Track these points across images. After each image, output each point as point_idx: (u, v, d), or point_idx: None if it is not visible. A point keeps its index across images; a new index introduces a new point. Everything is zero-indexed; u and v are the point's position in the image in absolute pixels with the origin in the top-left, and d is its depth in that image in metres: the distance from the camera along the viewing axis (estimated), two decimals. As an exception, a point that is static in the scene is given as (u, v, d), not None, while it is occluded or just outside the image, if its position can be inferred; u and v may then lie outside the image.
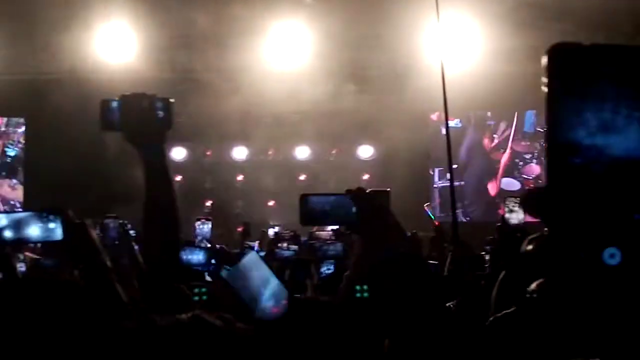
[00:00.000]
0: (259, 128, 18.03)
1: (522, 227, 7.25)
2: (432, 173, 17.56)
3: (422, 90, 13.76)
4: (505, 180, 17.03)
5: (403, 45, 14.71)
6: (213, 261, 6.65)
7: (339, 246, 6.67)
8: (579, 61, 0.92)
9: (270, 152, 19.99)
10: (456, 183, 15.39)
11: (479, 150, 17.37)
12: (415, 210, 12.33)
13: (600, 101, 0.88)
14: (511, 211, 7.34)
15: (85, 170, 17.31)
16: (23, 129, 19.18)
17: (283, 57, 15.54)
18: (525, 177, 16.85)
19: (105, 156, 16.59)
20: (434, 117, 17.38)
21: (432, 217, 12.05)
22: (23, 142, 19.18)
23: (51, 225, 3.08)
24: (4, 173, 19.10)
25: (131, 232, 9.45)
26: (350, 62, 16.11)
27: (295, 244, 11.23)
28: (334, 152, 19.81)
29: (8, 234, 3.17)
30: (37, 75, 16.63)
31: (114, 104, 2.77)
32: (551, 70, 0.93)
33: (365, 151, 19.59)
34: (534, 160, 16.91)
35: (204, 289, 4.79)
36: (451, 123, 16.04)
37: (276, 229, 17.81)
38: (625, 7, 13.89)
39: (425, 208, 12.55)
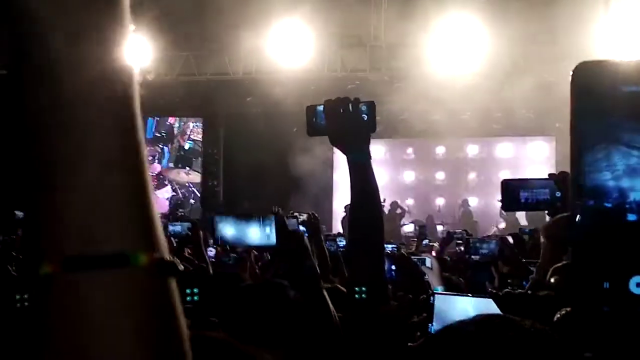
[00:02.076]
0: (429, 126, 18.00)
1: None
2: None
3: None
4: None
5: (576, 40, 14.22)
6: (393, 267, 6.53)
7: (492, 245, 6.19)
8: (604, 83, 0.86)
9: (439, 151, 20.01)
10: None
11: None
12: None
13: (627, 145, 0.85)
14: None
15: (263, 166, 17.79)
16: (198, 123, 20.02)
17: (454, 56, 15.34)
18: None
19: (278, 152, 17.08)
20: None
21: None
22: (199, 135, 19.98)
23: (267, 230, 3.23)
24: (180, 165, 20.03)
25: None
26: (522, 58, 15.73)
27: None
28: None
29: (231, 235, 3.36)
30: (214, 77, 17.20)
31: (320, 109, 2.84)
32: (575, 96, 0.87)
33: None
34: None
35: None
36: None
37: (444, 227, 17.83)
38: None
39: None
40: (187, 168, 20.09)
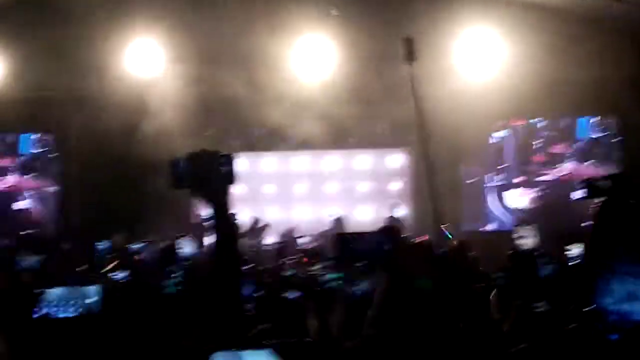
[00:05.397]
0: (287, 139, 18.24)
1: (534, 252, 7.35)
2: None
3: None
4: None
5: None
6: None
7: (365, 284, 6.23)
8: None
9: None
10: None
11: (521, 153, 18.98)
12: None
13: (625, 274, 0.97)
14: (522, 237, 7.44)
15: (119, 182, 17.48)
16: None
17: (307, 69, 15.69)
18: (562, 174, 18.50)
19: (135, 171, 16.83)
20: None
21: (450, 236, 11.95)
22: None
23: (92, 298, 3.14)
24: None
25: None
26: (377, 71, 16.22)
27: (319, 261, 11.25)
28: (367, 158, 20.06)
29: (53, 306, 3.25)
30: (65, 92, 16.83)
31: (182, 162, 2.87)
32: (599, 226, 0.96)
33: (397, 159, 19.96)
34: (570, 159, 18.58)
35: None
36: (500, 133, 18.51)
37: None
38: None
39: (443, 229, 12.41)
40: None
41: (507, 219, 18.52)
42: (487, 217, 18.78)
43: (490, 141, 18.73)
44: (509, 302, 4.94)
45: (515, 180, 18.88)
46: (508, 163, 18.98)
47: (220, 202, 2.88)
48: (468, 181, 18.63)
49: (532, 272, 6.38)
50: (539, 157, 18.95)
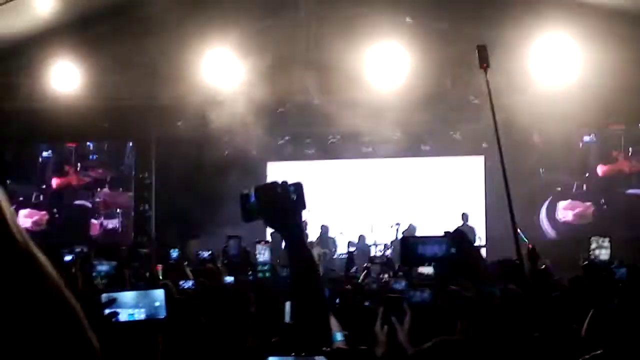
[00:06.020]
0: (359, 147, 18.23)
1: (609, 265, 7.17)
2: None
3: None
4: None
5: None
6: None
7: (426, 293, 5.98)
8: None
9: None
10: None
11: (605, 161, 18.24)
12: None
13: None
14: (600, 247, 7.28)
15: (196, 190, 17.77)
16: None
17: (382, 78, 15.69)
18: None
19: (212, 178, 17.11)
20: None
21: (525, 240, 11.75)
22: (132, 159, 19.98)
23: (156, 303, 3.14)
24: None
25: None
26: (450, 81, 16.12)
27: (389, 269, 11.17)
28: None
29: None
30: (143, 101, 17.15)
31: (251, 195, 2.95)
32: None
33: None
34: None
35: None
36: (586, 138, 17.92)
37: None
38: None
39: (519, 231, 12.10)
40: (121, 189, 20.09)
41: (552, 230, 18.16)
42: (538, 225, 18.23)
43: (574, 148, 18.22)
44: (584, 311, 4.84)
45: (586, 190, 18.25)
46: (590, 171, 18.40)
47: (293, 231, 2.94)
48: (549, 189, 18.33)
49: (608, 282, 6.24)
50: (624, 166, 18.13)
